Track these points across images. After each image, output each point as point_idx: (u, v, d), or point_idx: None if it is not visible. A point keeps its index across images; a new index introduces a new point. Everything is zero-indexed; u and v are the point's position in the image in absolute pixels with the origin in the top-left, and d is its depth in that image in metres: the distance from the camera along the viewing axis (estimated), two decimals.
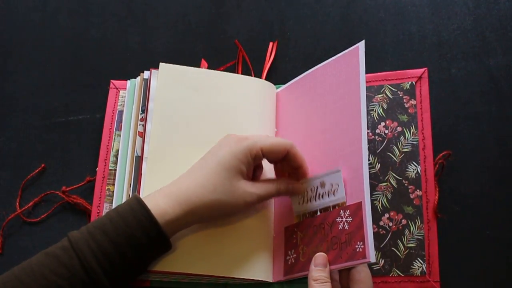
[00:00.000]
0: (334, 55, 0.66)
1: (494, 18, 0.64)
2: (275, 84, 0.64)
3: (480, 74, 0.62)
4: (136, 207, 0.48)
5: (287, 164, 0.54)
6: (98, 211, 0.60)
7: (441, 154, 0.57)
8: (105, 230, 0.47)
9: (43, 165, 0.66)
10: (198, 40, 0.70)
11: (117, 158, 0.62)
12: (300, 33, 0.69)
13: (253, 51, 0.68)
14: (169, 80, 0.61)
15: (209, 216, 0.51)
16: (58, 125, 0.68)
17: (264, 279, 0.55)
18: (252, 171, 0.54)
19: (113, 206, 0.59)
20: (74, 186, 0.63)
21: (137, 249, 0.47)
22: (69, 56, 0.72)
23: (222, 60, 0.68)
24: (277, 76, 0.66)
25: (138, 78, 0.63)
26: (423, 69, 0.60)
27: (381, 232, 0.56)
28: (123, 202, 0.50)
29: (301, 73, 0.65)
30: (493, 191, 0.58)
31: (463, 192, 0.58)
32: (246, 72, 0.67)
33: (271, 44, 0.68)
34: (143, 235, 0.47)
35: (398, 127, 0.59)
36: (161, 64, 0.61)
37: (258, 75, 0.67)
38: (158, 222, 0.47)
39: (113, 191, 0.60)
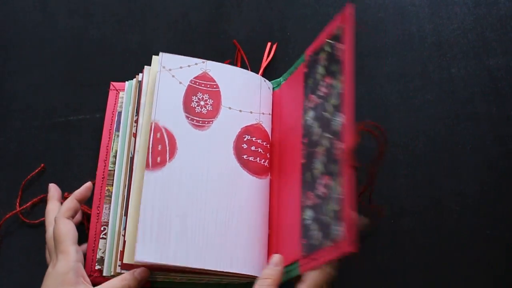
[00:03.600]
0: None
1: (494, 18, 0.64)
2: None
3: (480, 74, 0.62)
4: None
5: None
6: (98, 212, 0.60)
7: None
8: None
9: (42, 165, 0.66)
10: (198, 40, 0.70)
11: (116, 158, 0.62)
12: (300, 33, 0.69)
13: (253, 51, 0.68)
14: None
15: None
16: (58, 125, 0.68)
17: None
18: None
19: (112, 207, 0.59)
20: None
21: None
22: (69, 56, 0.72)
23: (221, 60, 0.68)
24: (277, 76, 0.66)
25: (134, 80, 0.63)
26: (349, 8, 0.48)
27: (318, 202, 0.48)
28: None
29: None
30: (493, 191, 0.58)
31: (463, 192, 0.58)
32: None
33: (269, 44, 0.68)
34: None
35: (332, 81, 0.49)
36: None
37: None
38: None
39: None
